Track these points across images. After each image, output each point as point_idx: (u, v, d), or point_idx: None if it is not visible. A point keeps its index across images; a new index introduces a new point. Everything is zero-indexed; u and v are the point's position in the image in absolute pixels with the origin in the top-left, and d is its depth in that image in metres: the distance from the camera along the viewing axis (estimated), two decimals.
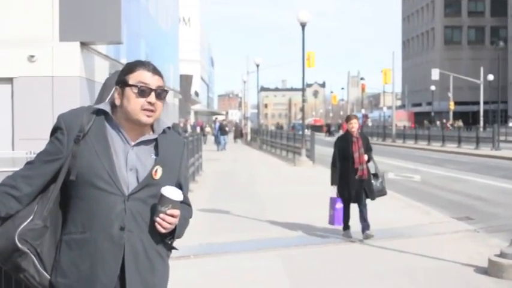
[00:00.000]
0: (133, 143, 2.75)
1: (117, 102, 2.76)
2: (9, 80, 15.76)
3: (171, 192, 2.67)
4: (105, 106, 2.78)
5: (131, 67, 2.78)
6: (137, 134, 2.77)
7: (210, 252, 8.79)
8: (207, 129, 59.07)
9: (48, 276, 2.69)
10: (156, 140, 2.80)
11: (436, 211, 12.62)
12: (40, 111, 13.73)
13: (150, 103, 2.72)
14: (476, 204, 14.44)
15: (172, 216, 2.67)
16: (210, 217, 11.78)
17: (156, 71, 2.78)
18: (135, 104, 2.71)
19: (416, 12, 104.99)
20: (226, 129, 43.63)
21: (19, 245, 2.62)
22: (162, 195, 2.66)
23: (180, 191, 2.71)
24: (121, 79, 2.76)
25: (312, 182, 18.91)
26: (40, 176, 2.70)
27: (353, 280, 7.35)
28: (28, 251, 2.63)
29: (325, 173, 22.50)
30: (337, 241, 9.53)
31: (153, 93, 2.72)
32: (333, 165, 9.68)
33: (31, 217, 2.66)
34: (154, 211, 2.69)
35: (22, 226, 2.63)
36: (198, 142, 20.52)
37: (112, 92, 2.86)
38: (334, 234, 9.92)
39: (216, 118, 51.71)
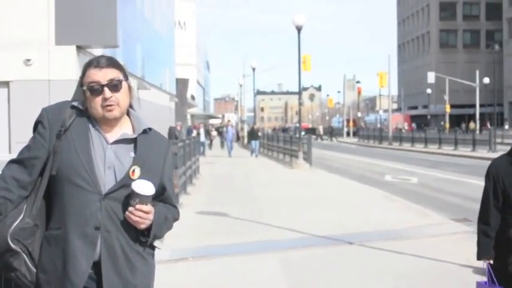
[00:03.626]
0: (111, 141, 2.72)
1: (87, 104, 2.76)
2: (6, 84, 15.73)
3: (140, 186, 2.61)
4: (80, 103, 2.76)
5: (83, 69, 2.77)
6: (115, 132, 2.75)
7: (208, 255, 8.76)
8: (213, 133, 54.28)
9: None
10: (135, 139, 2.76)
11: (434, 213, 12.61)
12: (36, 114, 13.69)
13: (105, 99, 2.68)
14: (474, 206, 14.40)
15: (141, 211, 2.62)
16: (208, 220, 11.75)
17: (104, 64, 2.73)
18: (94, 104, 2.70)
19: (412, 16, 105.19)
20: (259, 133, 37.68)
21: (12, 245, 2.59)
22: (131, 189, 2.62)
23: (151, 186, 2.64)
24: (80, 83, 2.76)
25: (309, 184, 18.90)
26: (30, 179, 2.68)
27: (351, 282, 7.33)
28: (20, 251, 2.62)
29: (323, 175, 22.58)
30: (335, 243, 9.51)
31: (105, 89, 2.69)
32: (482, 220, 4.52)
33: (21, 216, 2.64)
34: (125, 206, 2.65)
35: (14, 226, 2.61)
36: (194, 145, 20.49)
37: (75, 91, 2.83)
38: (331, 236, 9.91)
39: (229, 121, 48.10)
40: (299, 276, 7.57)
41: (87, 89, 2.70)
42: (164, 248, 8.43)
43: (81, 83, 2.75)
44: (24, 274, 2.65)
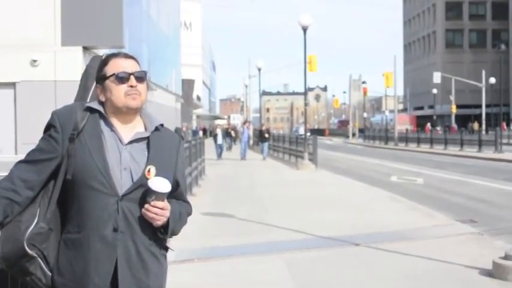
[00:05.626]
0: (126, 141, 2.73)
1: (102, 98, 2.77)
2: (12, 85, 15.80)
3: (156, 183, 2.64)
4: (96, 105, 2.77)
5: (104, 60, 2.80)
6: (129, 132, 2.76)
7: (214, 256, 8.78)
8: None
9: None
10: (148, 138, 2.77)
11: (440, 214, 12.59)
12: (43, 115, 13.72)
13: (132, 87, 2.72)
14: (479, 207, 14.41)
15: (156, 207, 2.64)
16: (214, 220, 11.76)
17: (128, 56, 2.80)
18: (118, 91, 2.72)
19: (418, 16, 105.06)
20: (266, 135, 34.69)
21: (28, 250, 2.60)
22: (148, 187, 2.64)
23: (167, 183, 2.66)
24: (99, 76, 2.78)
25: (314, 185, 18.89)
26: (39, 179, 2.68)
27: (357, 283, 7.33)
28: (36, 256, 2.63)
29: (328, 176, 22.57)
30: (341, 244, 9.51)
31: (132, 77, 2.73)
32: None
33: (35, 220, 2.64)
34: (142, 205, 2.68)
35: (29, 231, 2.62)
36: (200, 146, 20.50)
37: (92, 91, 2.86)
38: (337, 237, 9.91)
39: (246, 122, 45.44)
40: (305, 277, 7.57)
41: (113, 76, 2.73)
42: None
43: (101, 76, 2.77)
44: (39, 278, 2.66)
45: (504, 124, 63.75)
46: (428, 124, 76.12)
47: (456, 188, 18.38)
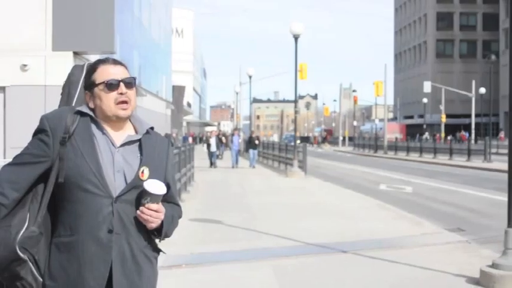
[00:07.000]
0: (118, 144, 2.73)
1: (91, 105, 2.76)
2: (2, 89, 15.75)
3: (152, 185, 2.65)
4: (86, 109, 2.76)
5: (92, 67, 2.78)
6: (120, 135, 2.76)
7: (202, 262, 8.76)
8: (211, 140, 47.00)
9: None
10: (140, 140, 2.78)
11: (428, 222, 12.64)
12: (32, 120, 13.68)
13: (121, 94, 2.71)
14: (468, 216, 14.47)
15: (151, 209, 2.64)
16: (202, 227, 11.75)
17: (117, 62, 2.79)
18: (107, 99, 2.71)
19: (409, 26, 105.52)
20: (257, 142, 34.09)
21: (20, 254, 2.58)
22: (143, 189, 2.66)
23: (162, 185, 2.68)
24: (88, 83, 2.77)
25: (303, 193, 18.91)
26: (26, 181, 2.65)
27: None
28: (27, 259, 2.61)
29: (317, 184, 22.60)
30: (328, 251, 9.52)
31: (121, 84, 2.72)
32: None
33: (26, 224, 2.62)
34: (136, 207, 2.69)
35: (20, 235, 2.60)
36: (190, 152, 20.50)
37: (76, 98, 2.84)
38: (325, 244, 9.92)
39: (236, 129, 43.15)
40: (292, 284, 7.57)
41: (103, 83, 2.71)
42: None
43: (90, 83, 2.76)
44: (30, 283, 2.64)
45: (502, 134, 64.03)
46: (429, 132, 76.25)
47: (445, 197, 18.45)
